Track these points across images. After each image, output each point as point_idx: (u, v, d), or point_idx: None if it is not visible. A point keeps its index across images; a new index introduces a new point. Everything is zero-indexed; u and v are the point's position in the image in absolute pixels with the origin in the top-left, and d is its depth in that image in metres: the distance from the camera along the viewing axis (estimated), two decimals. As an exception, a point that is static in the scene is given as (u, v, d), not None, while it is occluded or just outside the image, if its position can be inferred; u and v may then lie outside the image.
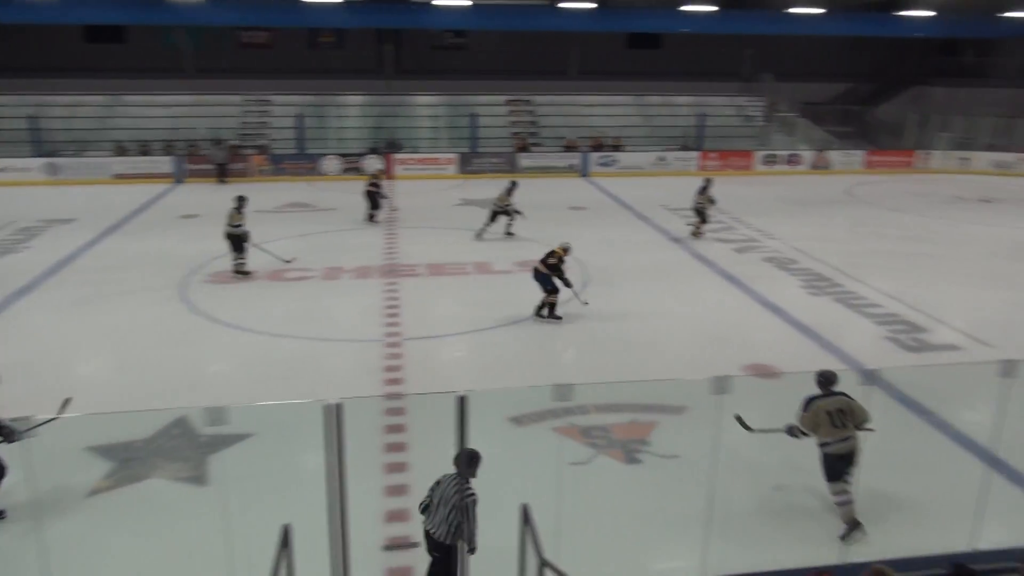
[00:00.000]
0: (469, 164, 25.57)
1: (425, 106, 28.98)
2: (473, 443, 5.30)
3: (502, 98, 29.13)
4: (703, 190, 17.24)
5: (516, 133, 27.83)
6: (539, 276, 11.71)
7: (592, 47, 30.91)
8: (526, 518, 5.50)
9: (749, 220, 19.09)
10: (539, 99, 29.40)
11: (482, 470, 5.43)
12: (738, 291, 13.62)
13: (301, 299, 12.96)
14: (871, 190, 23.93)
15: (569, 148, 26.77)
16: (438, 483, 5.45)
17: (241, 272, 14.01)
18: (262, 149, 25.45)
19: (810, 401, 6.76)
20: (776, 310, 12.60)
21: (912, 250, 16.57)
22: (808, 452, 8.05)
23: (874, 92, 32.83)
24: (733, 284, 13.99)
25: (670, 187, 22.95)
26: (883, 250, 16.51)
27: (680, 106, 29.69)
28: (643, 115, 29.64)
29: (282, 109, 27.34)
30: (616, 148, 26.80)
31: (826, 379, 6.84)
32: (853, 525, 6.60)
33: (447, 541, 5.32)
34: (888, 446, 8.34)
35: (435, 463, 5.74)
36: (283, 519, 5.20)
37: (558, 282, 11.67)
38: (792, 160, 26.65)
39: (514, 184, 17.31)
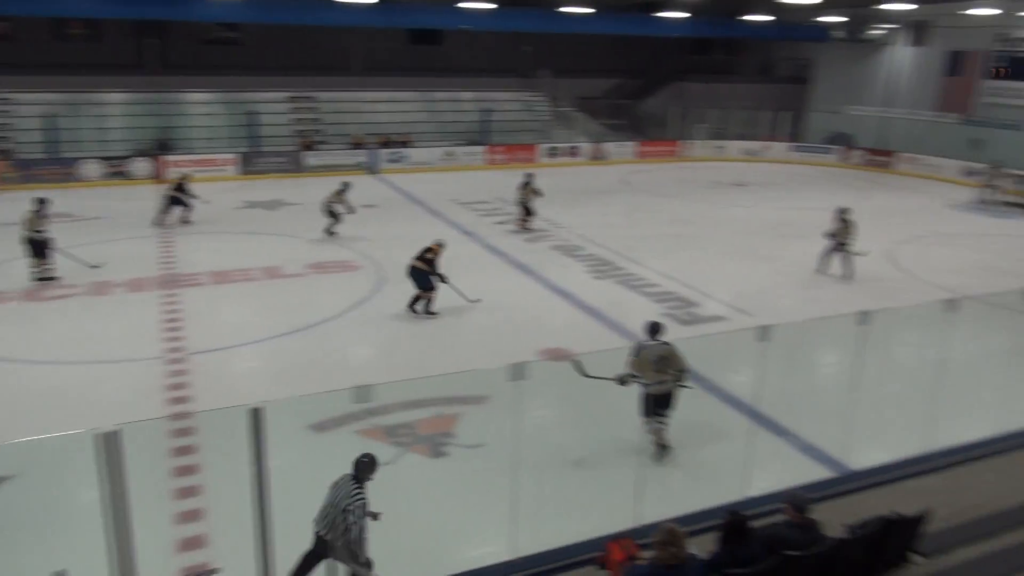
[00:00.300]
0: (251, 164, 24.33)
1: (198, 103, 27.11)
2: (273, 455, 5.04)
3: (283, 95, 27.97)
4: (525, 185, 17.73)
5: (300, 131, 26.88)
6: (416, 273, 11.62)
7: (375, 43, 30.56)
8: (333, 526, 5.35)
9: (537, 211, 19.86)
10: (323, 96, 28.58)
11: (287, 481, 5.20)
12: (530, 279, 14.14)
13: (64, 320, 11.68)
14: (643, 178, 25.82)
15: (356, 145, 26.32)
16: (335, 484, 5.53)
17: (45, 279, 13.11)
18: (5, 154, 22.54)
19: (638, 348, 7.73)
20: (566, 295, 13.23)
21: (681, 232, 18.10)
22: (603, 428, 8.56)
23: (640, 87, 35.39)
24: (525, 273, 14.51)
25: (459, 182, 23.35)
26: (656, 233, 17.88)
27: (465, 102, 30.20)
28: (430, 111, 29.79)
29: (28, 109, 24.37)
30: (404, 144, 26.75)
31: (653, 329, 7.90)
32: (663, 447, 7.78)
33: (330, 534, 5.40)
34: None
35: (231, 482, 5.42)
36: (56, 565, 4.65)
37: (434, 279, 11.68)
38: (572, 152, 28.12)
39: (346, 185, 16.78)
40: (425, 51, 32.32)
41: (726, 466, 7.48)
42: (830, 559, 4.72)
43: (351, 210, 16.58)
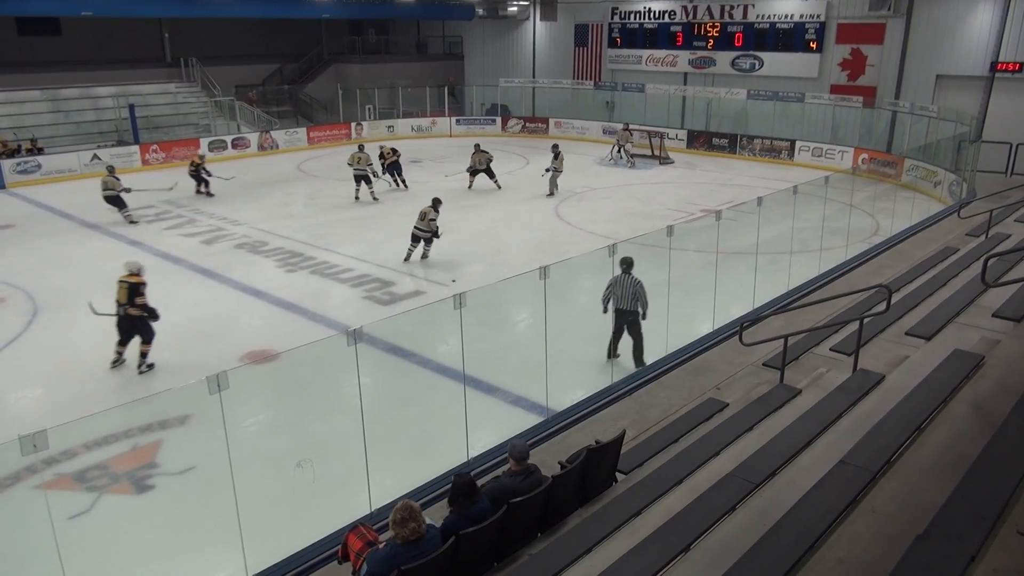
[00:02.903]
0: None
1: None
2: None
3: None
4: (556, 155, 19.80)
5: None
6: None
7: (-27, 35, 26.01)
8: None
9: (210, 210, 18.58)
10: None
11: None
12: (216, 283, 13.25)
13: None
14: (318, 164, 25.33)
15: (-28, 157, 22.25)
16: (615, 281, 9.22)
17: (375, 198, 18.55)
18: None
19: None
20: (259, 294, 12.63)
21: (366, 213, 18.16)
22: (319, 422, 8.41)
23: (300, 72, 34.57)
24: (210, 277, 13.55)
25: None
26: (341, 218, 17.74)
27: (104, 97, 27.03)
28: (60, 111, 26.18)
29: None
30: (35, 151, 23.18)
31: (435, 202, 14.14)
32: (423, 257, 14.18)
33: (632, 308, 9.19)
34: (386, 394, 9.18)
35: None
36: None
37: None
38: (238, 144, 26.59)
39: None
40: (42, 42, 28.23)
41: (448, 432, 7.76)
42: (549, 496, 5.16)
43: None
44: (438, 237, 14.06)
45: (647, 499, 5.23)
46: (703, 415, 6.91)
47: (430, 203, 14.14)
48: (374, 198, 19.31)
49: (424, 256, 14.16)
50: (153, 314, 9.61)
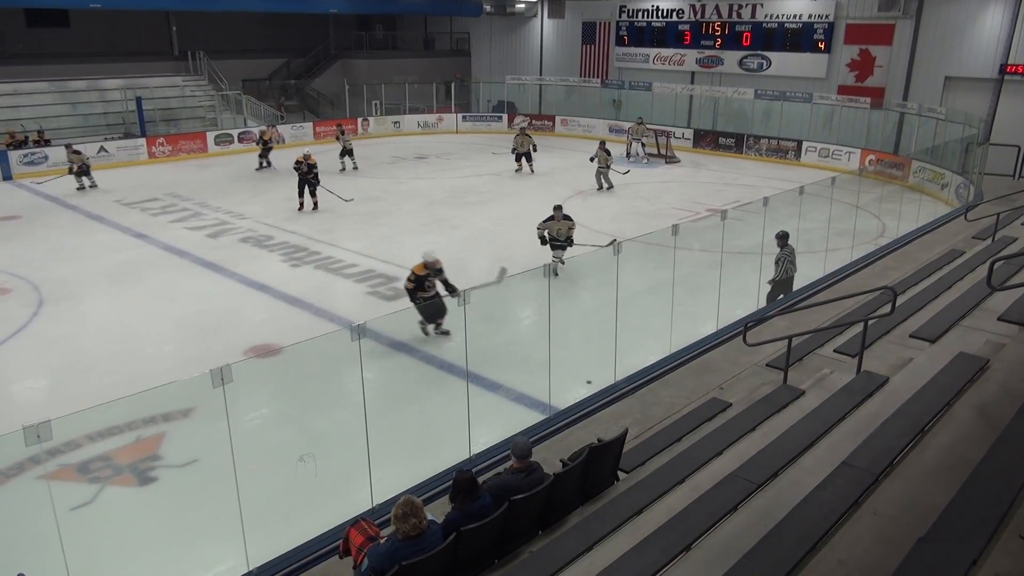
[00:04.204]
0: None
1: None
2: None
3: None
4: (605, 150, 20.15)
5: None
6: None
7: (-18, 26, 26.06)
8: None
9: (216, 203, 18.60)
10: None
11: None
12: (221, 277, 13.27)
13: None
14: (324, 159, 25.25)
15: (-21, 148, 22.31)
16: (789, 253, 10.66)
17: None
18: None
19: (546, 223, 13.19)
20: (263, 288, 12.64)
21: (371, 209, 18.16)
22: (322, 416, 8.41)
23: (307, 66, 34.58)
24: (214, 271, 13.57)
25: (119, 180, 20.96)
26: (347, 213, 17.74)
27: (111, 90, 27.06)
28: (68, 103, 26.22)
29: None
30: (42, 142, 23.23)
31: (556, 207, 13.21)
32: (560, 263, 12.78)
33: (792, 274, 10.79)
34: (389, 390, 9.20)
35: None
36: None
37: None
38: (245, 138, 26.59)
39: None
40: (50, 34, 28.30)
41: (450, 429, 7.76)
42: (550, 494, 5.15)
43: None
44: (570, 244, 13.16)
45: (649, 498, 5.23)
46: (706, 415, 6.89)
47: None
48: (355, 167, 22.60)
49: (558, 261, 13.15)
50: (454, 291, 10.39)
